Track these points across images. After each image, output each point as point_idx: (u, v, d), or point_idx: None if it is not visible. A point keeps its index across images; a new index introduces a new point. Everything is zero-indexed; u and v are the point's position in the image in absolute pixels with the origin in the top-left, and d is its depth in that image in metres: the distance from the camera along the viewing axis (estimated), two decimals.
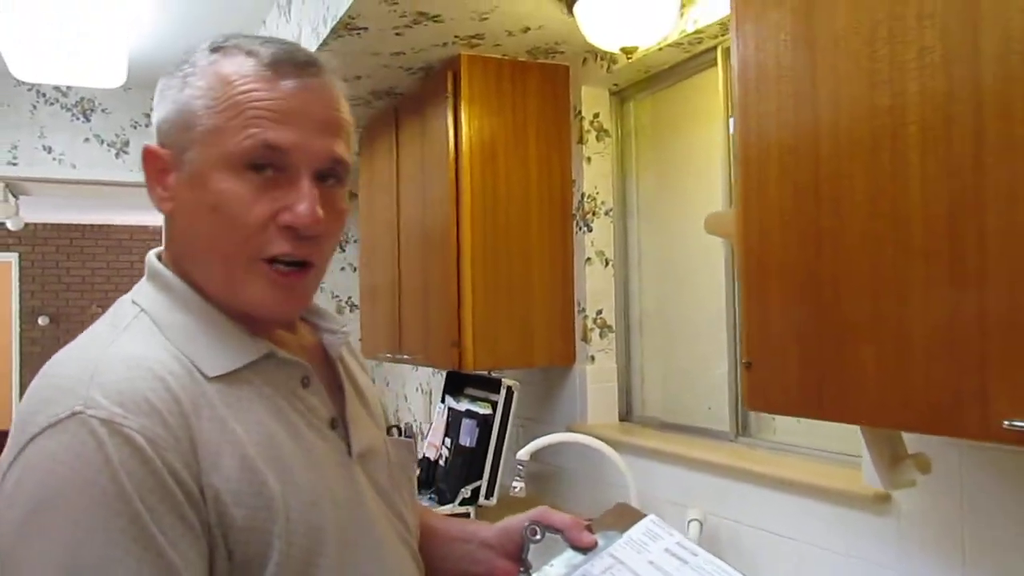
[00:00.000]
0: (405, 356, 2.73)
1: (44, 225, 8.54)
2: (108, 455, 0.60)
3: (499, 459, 2.31)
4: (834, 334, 1.03)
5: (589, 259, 2.38)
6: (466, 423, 2.42)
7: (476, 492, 2.30)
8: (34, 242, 8.56)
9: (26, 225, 7.47)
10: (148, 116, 3.59)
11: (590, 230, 2.38)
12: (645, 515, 0.90)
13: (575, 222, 2.41)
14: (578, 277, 2.40)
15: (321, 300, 4.56)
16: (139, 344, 0.69)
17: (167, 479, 0.62)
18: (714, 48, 2.01)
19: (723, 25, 1.86)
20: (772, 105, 1.12)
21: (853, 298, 1.00)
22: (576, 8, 1.92)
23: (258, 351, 0.73)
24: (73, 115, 3.76)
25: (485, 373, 2.54)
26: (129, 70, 3.21)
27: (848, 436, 1.51)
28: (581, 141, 2.39)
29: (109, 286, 8.65)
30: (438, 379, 3.12)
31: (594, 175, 2.39)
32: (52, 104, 3.73)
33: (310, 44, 2.37)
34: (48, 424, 0.62)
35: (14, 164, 3.69)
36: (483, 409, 2.40)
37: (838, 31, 1.02)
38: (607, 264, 2.39)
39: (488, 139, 2.33)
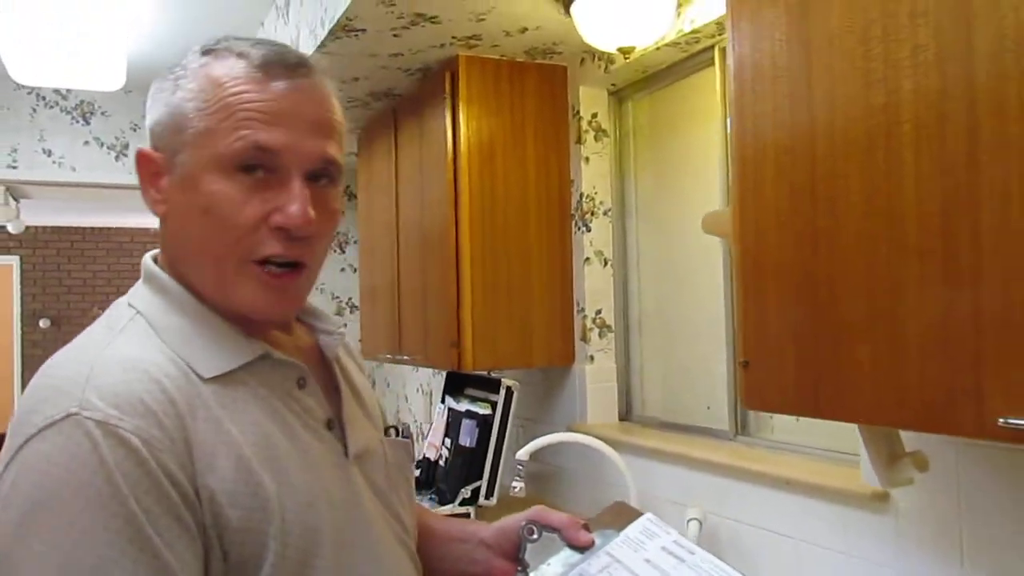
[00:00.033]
0: (405, 357, 2.74)
1: (45, 228, 8.55)
2: (103, 456, 0.61)
3: (499, 459, 2.32)
4: (830, 333, 1.03)
5: (588, 259, 2.38)
6: (466, 423, 2.42)
7: (476, 492, 2.30)
8: (35, 245, 8.56)
9: (27, 228, 7.48)
10: None
11: (589, 230, 2.38)
12: (642, 514, 0.91)
13: (574, 222, 2.41)
14: (577, 277, 2.40)
15: (321, 301, 4.56)
16: (134, 346, 0.70)
17: (162, 480, 0.62)
18: (711, 48, 2.01)
19: (720, 25, 1.86)
20: (768, 105, 1.12)
21: (849, 297, 1.00)
22: (573, 8, 1.92)
23: (253, 352, 0.73)
24: (73, 118, 3.76)
25: (485, 373, 2.54)
26: (128, 73, 3.22)
27: (847, 435, 1.51)
28: (579, 141, 2.39)
29: (110, 288, 8.66)
30: (438, 380, 3.12)
31: (592, 175, 2.39)
32: (52, 107, 3.73)
33: (308, 46, 2.37)
34: (44, 426, 0.62)
35: (14, 167, 3.70)
36: (483, 409, 2.40)
37: (832, 30, 1.02)
38: (606, 264, 2.40)
39: (486, 140, 2.33)
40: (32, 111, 3.70)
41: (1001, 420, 0.82)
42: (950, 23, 0.89)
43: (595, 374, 2.36)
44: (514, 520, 0.90)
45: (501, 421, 2.32)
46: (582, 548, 0.85)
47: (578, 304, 2.40)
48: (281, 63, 0.73)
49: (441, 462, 2.53)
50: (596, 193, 2.39)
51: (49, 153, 3.73)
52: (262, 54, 0.73)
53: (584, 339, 2.38)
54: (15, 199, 5.98)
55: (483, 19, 2.07)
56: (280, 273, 0.73)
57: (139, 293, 0.76)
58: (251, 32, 3.07)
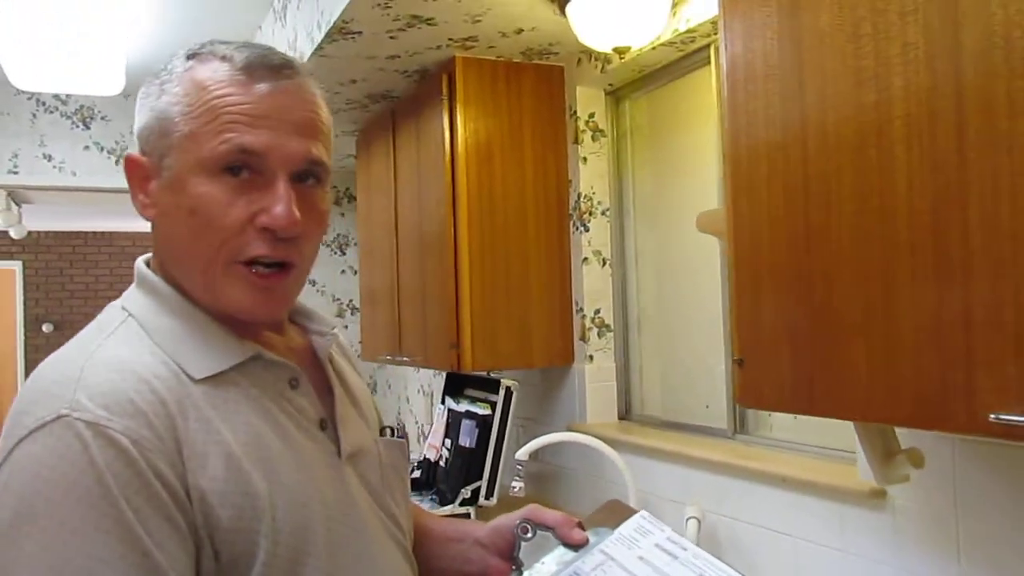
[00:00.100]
0: (405, 358, 2.74)
1: (47, 233, 8.57)
2: (93, 457, 0.61)
3: (499, 459, 2.32)
4: (824, 330, 1.03)
5: (586, 259, 2.38)
6: (466, 424, 2.43)
7: (476, 492, 2.31)
8: (37, 250, 8.59)
9: (29, 233, 7.50)
10: None
11: (587, 230, 2.38)
12: (637, 511, 0.91)
13: (572, 222, 2.42)
14: (575, 277, 2.40)
15: (322, 303, 4.56)
16: (125, 348, 0.70)
17: (152, 480, 0.63)
18: (707, 47, 2.01)
19: (715, 23, 1.85)
20: (760, 103, 1.13)
21: (842, 294, 1.01)
22: (568, 9, 1.93)
23: (244, 353, 0.74)
24: (73, 123, 3.78)
25: (484, 374, 2.54)
26: (128, 77, 3.23)
27: (844, 432, 1.51)
28: (577, 141, 2.40)
29: (113, 293, 8.57)
30: (439, 381, 3.12)
31: (590, 175, 2.40)
32: (52, 112, 3.75)
33: (305, 49, 2.38)
34: (34, 427, 0.63)
35: (15, 172, 3.71)
36: (482, 410, 2.40)
37: (823, 28, 1.03)
38: (604, 264, 2.40)
39: (484, 140, 2.34)
40: (32, 116, 3.71)
41: (992, 415, 0.82)
42: (939, 21, 0.89)
43: (594, 374, 2.36)
44: (509, 519, 0.91)
45: (501, 421, 2.33)
46: (576, 546, 0.85)
47: (577, 304, 2.40)
48: (264, 65, 0.73)
49: (441, 463, 2.54)
50: (594, 193, 2.39)
51: (49, 158, 3.74)
52: (245, 56, 0.73)
53: (583, 339, 2.38)
54: (17, 204, 6.00)
55: (479, 20, 2.08)
56: (267, 273, 0.73)
57: (132, 296, 0.77)
58: (249, 36, 3.08)
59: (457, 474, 2.39)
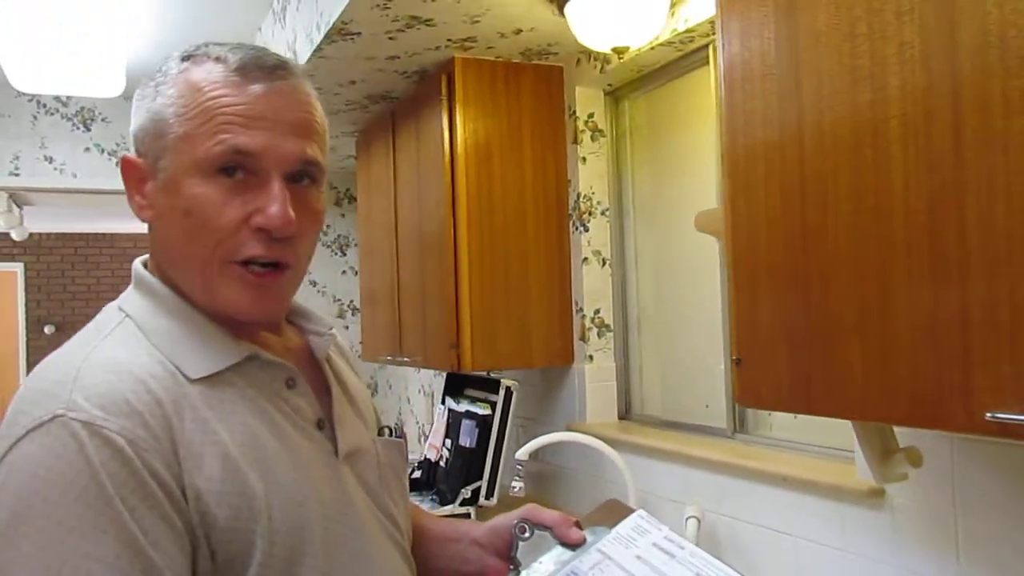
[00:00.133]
0: (405, 358, 2.75)
1: (49, 235, 8.59)
2: (89, 456, 0.62)
3: (499, 459, 2.32)
4: (822, 329, 1.03)
5: (586, 259, 2.38)
6: (466, 424, 2.43)
7: (476, 492, 2.31)
8: (39, 252, 8.60)
9: (31, 235, 7.51)
10: None
11: (586, 230, 2.39)
12: (634, 511, 0.91)
13: (571, 222, 2.42)
14: (575, 277, 2.41)
15: (323, 304, 4.56)
16: (122, 348, 0.70)
17: (148, 480, 0.63)
18: (706, 47, 2.01)
19: (714, 23, 1.86)
20: (758, 103, 1.13)
21: (839, 294, 1.01)
22: (567, 9, 1.93)
23: (240, 353, 0.74)
24: (74, 125, 3.78)
25: (484, 374, 2.55)
26: (128, 79, 3.23)
27: (844, 431, 1.51)
28: (576, 141, 2.40)
29: (114, 294, 8.43)
30: (440, 381, 3.13)
31: (590, 175, 2.40)
32: (52, 114, 3.75)
33: (305, 50, 2.39)
34: (31, 427, 0.63)
35: (16, 174, 3.72)
36: (482, 410, 2.41)
37: (819, 27, 1.03)
38: (604, 264, 2.40)
39: (483, 141, 2.34)
40: (33, 118, 3.72)
41: (988, 414, 0.82)
42: (935, 20, 0.89)
43: (594, 373, 2.37)
44: (506, 519, 0.91)
45: (501, 421, 2.33)
46: (574, 545, 0.85)
47: (577, 304, 2.41)
48: (259, 66, 0.73)
49: (442, 463, 2.54)
50: (593, 193, 2.40)
51: (50, 160, 3.75)
52: (239, 58, 0.73)
53: (583, 339, 2.38)
54: (18, 206, 6.02)
55: (477, 21, 2.08)
56: (263, 272, 0.74)
57: (129, 297, 0.77)
58: (249, 37, 3.08)
59: (457, 474, 2.39)
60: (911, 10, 0.91)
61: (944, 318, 0.88)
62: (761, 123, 1.12)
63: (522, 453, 2.07)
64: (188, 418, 0.68)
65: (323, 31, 2.16)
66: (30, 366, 8.34)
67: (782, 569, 1.62)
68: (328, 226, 4.35)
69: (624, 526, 0.87)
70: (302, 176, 0.76)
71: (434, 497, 2.47)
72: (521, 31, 2.16)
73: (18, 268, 8.53)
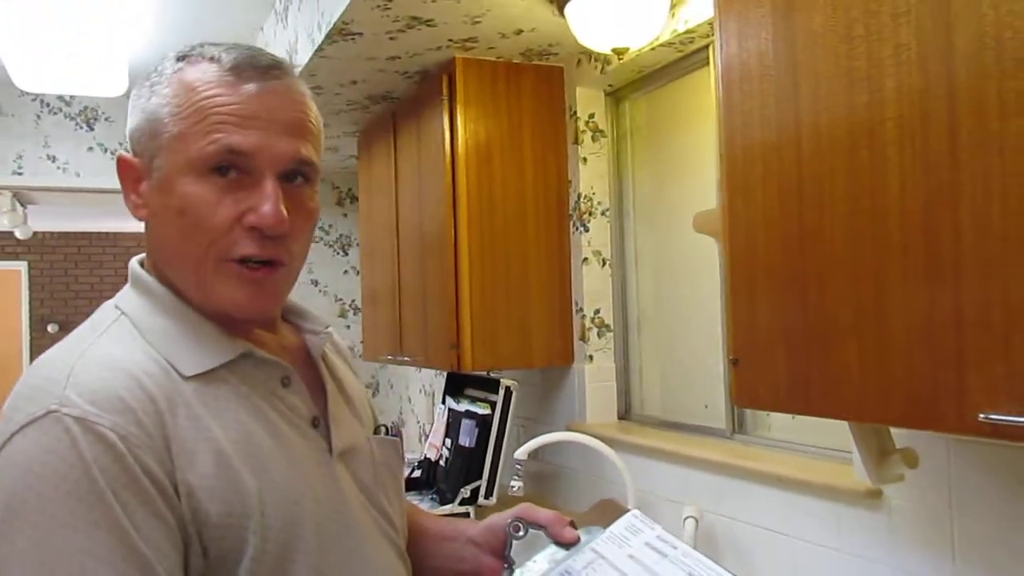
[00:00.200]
0: (406, 358, 2.75)
1: (52, 233, 8.61)
2: (82, 452, 0.62)
3: (498, 459, 2.33)
4: (818, 330, 1.04)
5: (586, 259, 2.39)
6: (465, 423, 2.43)
7: (476, 492, 2.31)
8: (42, 250, 8.62)
9: (34, 234, 7.54)
10: None
11: (587, 230, 2.39)
12: (628, 510, 0.91)
13: (572, 222, 2.42)
14: (575, 277, 2.41)
15: (325, 303, 4.56)
16: (117, 346, 0.71)
17: (140, 476, 0.64)
18: (706, 47, 2.02)
19: (713, 24, 1.86)
20: (755, 104, 1.13)
21: (836, 295, 1.01)
22: (567, 10, 1.93)
23: (235, 351, 0.74)
24: (77, 124, 3.80)
25: (484, 374, 2.55)
26: (131, 79, 3.24)
27: (842, 432, 1.51)
28: (577, 142, 2.40)
29: (117, 293, 8.71)
30: (441, 380, 3.13)
31: (590, 175, 2.40)
32: (56, 114, 3.77)
33: (306, 50, 2.39)
34: (25, 423, 0.64)
35: (19, 174, 3.73)
36: (482, 409, 2.41)
37: (816, 29, 1.03)
38: (604, 264, 2.40)
39: (484, 141, 2.34)
40: (37, 118, 3.74)
41: (982, 415, 0.83)
42: (931, 22, 0.89)
43: (594, 374, 2.37)
44: (501, 518, 0.91)
45: (500, 421, 2.33)
46: (568, 544, 0.85)
47: (577, 304, 2.41)
48: (253, 66, 0.74)
49: (442, 462, 2.54)
50: (594, 193, 2.40)
51: (54, 159, 3.76)
52: (234, 58, 0.74)
53: (583, 339, 2.38)
54: (22, 205, 6.03)
55: (478, 22, 2.08)
56: (257, 268, 0.74)
57: (125, 295, 0.78)
58: (251, 37, 3.09)
59: (457, 473, 2.39)
60: (907, 12, 0.92)
61: (939, 319, 0.88)
62: (759, 124, 1.12)
63: (521, 453, 2.07)
64: (181, 415, 0.68)
65: (324, 31, 2.17)
66: None
67: (779, 569, 1.62)
68: (330, 226, 4.36)
69: (618, 525, 0.88)
70: (295, 175, 0.76)
71: (434, 496, 2.47)
72: (522, 31, 2.16)
73: (22, 267, 8.56)
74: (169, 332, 0.73)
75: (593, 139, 2.41)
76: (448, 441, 2.54)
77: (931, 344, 0.89)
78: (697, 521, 1.80)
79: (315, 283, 4.31)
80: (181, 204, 0.72)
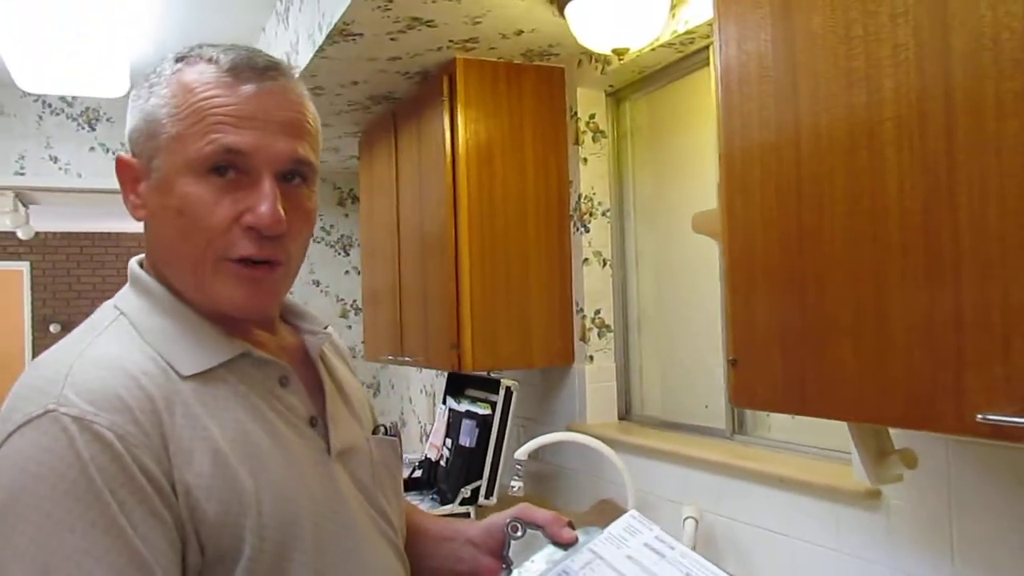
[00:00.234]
0: (407, 358, 2.75)
1: (54, 234, 8.63)
2: (79, 451, 0.62)
3: (499, 459, 2.33)
4: (817, 331, 1.04)
5: (587, 260, 2.39)
6: (466, 424, 2.44)
7: (476, 492, 2.32)
8: (45, 251, 8.64)
9: (36, 234, 7.55)
10: None
11: (587, 231, 2.39)
12: (627, 511, 0.92)
13: (572, 223, 2.42)
14: (576, 278, 2.41)
15: (326, 303, 4.57)
16: (115, 345, 0.71)
17: (137, 475, 0.64)
18: (706, 48, 2.02)
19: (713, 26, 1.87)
20: (754, 105, 1.13)
21: (834, 295, 1.01)
22: (567, 10, 1.93)
23: (233, 350, 0.75)
24: (79, 124, 3.81)
25: (484, 374, 2.55)
26: (132, 80, 3.25)
27: (841, 433, 1.51)
28: (577, 142, 2.40)
29: None
30: (441, 381, 3.13)
31: (591, 176, 2.40)
32: (58, 114, 3.78)
33: (307, 51, 2.40)
34: (22, 422, 0.64)
35: (21, 174, 3.74)
36: (483, 410, 2.41)
37: (815, 30, 1.03)
38: (605, 264, 2.40)
39: (484, 142, 2.34)
40: (38, 118, 3.74)
41: (980, 416, 0.83)
42: (929, 22, 0.89)
43: (594, 374, 2.37)
44: (500, 518, 0.91)
45: (501, 421, 2.33)
46: (566, 545, 0.86)
47: (577, 304, 2.41)
48: (250, 67, 0.74)
49: (442, 462, 2.55)
50: (594, 194, 2.40)
51: (56, 159, 3.77)
52: (231, 58, 0.74)
53: (583, 339, 2.39)
54: (24, 205, 6.04)
55: (479, 22, 2.08)
56: (255, 266, 0.74)
57: (124, 295, 0.78)
58: (252, 38, 3.10)
59: (457, 473, 2.40)
60: (905, 12, 0.92)
61: (938, 320, 0.88)
62: (758, 125, 1.12)
63: (522, 453, 2.08)
64: (179, 414, 0.69)
65: (325, 32, 2.17)
66: None
67: (778, 570, 1.62)
68: (331, 226, 4.37)
69: (616, 526, 0.88)
70: (293, 175, 0.76)
71: (434, 496, 2.47)
72: (522, 32, 2.16)
73: (24, 267, 8.57)
74: (167, 332, 0.74)
75: (594, 139, 2.41)
76: (449, 441, 2.54)
77: (930, 344, 0.89)
78: (697, 521, 1.80)
79: (316, 283, 4.32)
80: (179, 204, 0.73)
